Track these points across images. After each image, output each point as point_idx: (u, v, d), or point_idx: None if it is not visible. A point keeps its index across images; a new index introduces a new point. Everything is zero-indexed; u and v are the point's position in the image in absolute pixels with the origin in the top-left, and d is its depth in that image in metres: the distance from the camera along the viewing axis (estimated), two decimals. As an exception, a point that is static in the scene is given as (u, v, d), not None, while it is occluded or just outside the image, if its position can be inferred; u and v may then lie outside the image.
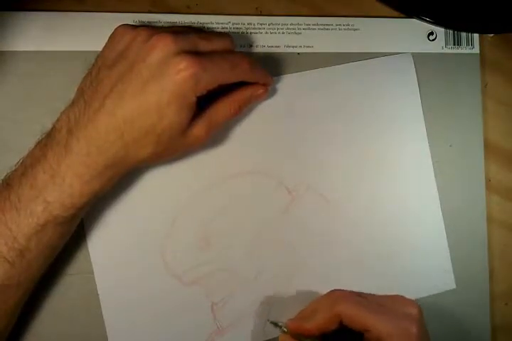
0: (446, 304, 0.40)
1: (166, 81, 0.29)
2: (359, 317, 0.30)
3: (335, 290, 0.32)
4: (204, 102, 0.32)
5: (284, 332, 0.32)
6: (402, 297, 0.32)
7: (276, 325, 0.33)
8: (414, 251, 0.39)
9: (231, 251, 0.37)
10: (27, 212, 0.29)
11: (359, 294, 0.32)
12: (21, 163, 0.31)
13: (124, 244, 0.36)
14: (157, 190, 0.36)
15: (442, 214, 0.40)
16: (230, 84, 0.33)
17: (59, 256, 0.33)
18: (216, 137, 0.37)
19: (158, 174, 0.36)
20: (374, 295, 0.32)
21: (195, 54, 0.30)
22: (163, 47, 0.29)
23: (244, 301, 0.37)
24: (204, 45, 0.31)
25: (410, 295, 0.39)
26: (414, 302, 0.32)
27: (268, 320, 0.34)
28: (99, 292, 0.35)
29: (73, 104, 0.31)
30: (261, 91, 0.35)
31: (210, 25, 0.38)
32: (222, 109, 0.33)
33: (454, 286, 0.40)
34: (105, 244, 0.35)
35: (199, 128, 0.32)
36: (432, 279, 0.39)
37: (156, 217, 0.36)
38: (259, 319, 0.37)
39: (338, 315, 0.31)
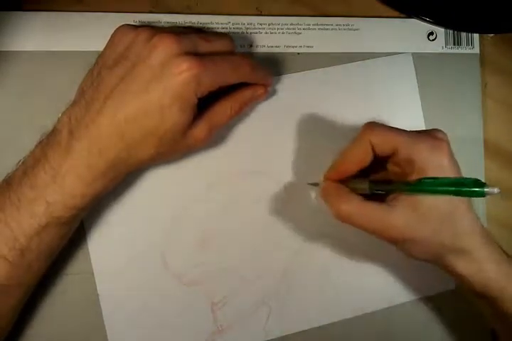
0: (446, 304, 0.40)
1: (167, 82, 0.29)
2: (389, 139, 0.31)
3: (367, 122, 0.33)
4: (204, 103, 0.33)
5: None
6: (431, 129, 0.33)
7: (315, 184, 0.34)
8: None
9: (231, 251, 0.37)
10: (28, 212, 0.29)
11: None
12: (22, 163, 0.31)
13: (124, 244, 0.36)
14: (157, 190, 0.36)
15: (442, 214, 0.40)
16: (231, 84, 0.33)
17: (59, 256, 0.33)
18: (216, 137, 0.37)
19: (158, 174, 0.36)
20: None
21: (197, 55, 0.30)
22: (164, 48, 0.29)
23: (244, 301, 0.37)
24: (205, 46, 0.31)
25: (410, 295, 0.39)
26: (441, 130, 0.32)
27: (308, 183, 0.35)
28: (99, 292, 0.35)
29: (74, 104, 0.31)
30: (261, 91, 0.35)
31: (210, 26, 0.38)
32: (222, 109, 0.33)
33: (454, 286, 0.40)
34: (105, 244, 0.35)
35: (200, 129, 0.32)
36: (432, 279, 0.39)
37: (156, 217, 0.36)
38: (259, 319, 0.37)
39: (369, 141, 0.31)
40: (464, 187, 0.29)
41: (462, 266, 0.31)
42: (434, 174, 0.30)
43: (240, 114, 0.35)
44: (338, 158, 0.33)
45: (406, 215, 0.30)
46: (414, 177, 0.30)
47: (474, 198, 0.40)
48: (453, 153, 0.31)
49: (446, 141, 0.31)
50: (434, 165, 0.30)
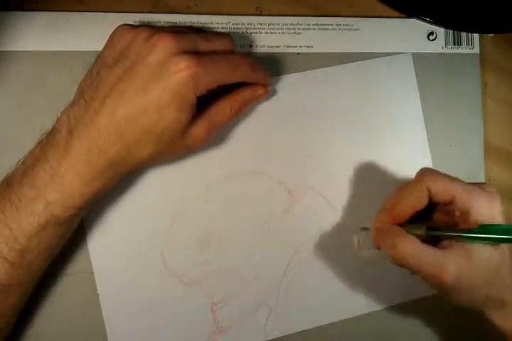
0: (446, 304, 0.40)
1: (166, 81, 0.29)
2: (447, 187, 0.31)
3: (424, 167, 0.33)
4: (204, 103, 0.33)
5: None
6: (483, 182, 0.33)
7: (365, 229, 0.34)
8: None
9: (231, 251, 0.37)
10: (27, 211, 0.29)
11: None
12: (22, 163, 0.31)
13: (124, 244, 0.36)
14: (157, 190, 0.36)
15: (442, 214, 0.40)
16: (231, 84, 0.33)
17: (59, 256, 0.33)
18: (216, 137, 0.37)
19: (158, 174, 0.36)
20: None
21: (196, 54, 0.30)
22: (163, 47, 0.29)
23: (244, 301, 0.37)
24: (204, 45, 0.31)
25: (410, 295, 0.39)
26: (492, 185, 0.32)
27: (361, 228, 0.34)
28: (99, 292, 0.35)
29: (73, 104, 0.31)
30: (261, 91, 0.35)
31: (210, 25, 0.38)
32: (222, 109, 0.33)
33: (454, 286, 0.40)
34: (105, 244, 0.35)
35: (199, 129, 0.32)
36: (431, 279, 0.39)
37: (156, 217, 0.36)
38: (259, 319, 0.37)
39: (426, 188, 0.31)
40: None
41: (502, 318, 0.32)
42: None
43: (239, 115, 0.35)
44: (391, 201, 0.33)
45: (459, 263, 0.30)
46: (465, 226, 0.30)
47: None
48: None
49: (498, 194, 0.31)
50: (488, 216, 0.30)
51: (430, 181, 0.31)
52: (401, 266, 0.31)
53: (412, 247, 0.30)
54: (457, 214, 0.31)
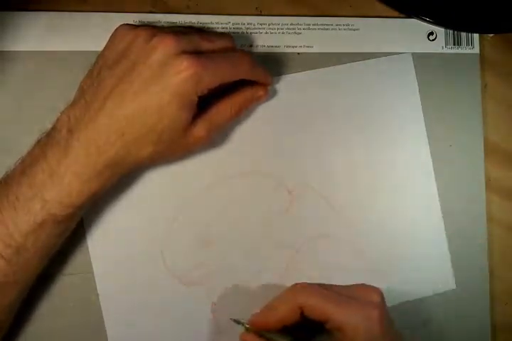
0: (446, 304, 0.40)
1: (167, 81, 0.29)
2: (319, 307, 0.30)
3: (296, 283, 0.32)
4: (205, 103, 0.33)
5: (246, 329, 0.32)
6: (363, 285, 0.32)
7: (238, 322, 0.33)
8: (414, 251, 0.39)
9: (231, 251, 0.37)
10: (24, 210, 0.29)
11: (321, 285, 0.32)
12: (21, 162, 0.31)
13: (124, 244, 0.36)
14: (157, 189, 0.36)
15: (442, 214, 0.40)
16: (231, 85, 0.33)
17: (59, 255, 0.33)
18: (216, 137, 0.37)
19: (158, 174, 0.36)
20: (337, 285, 0.32)
21: (196, 54, 0.30)
22: (164, 47, 0.30)
23: (244, 301, 0.37)
24: (205, 45, 0.32)
25: (411, 295, 0.39)
26: (376, 289, 0.32)
27: (231, 319, 0.33)
28: (99, 292, 0.35)
29: (74, 103, 0.31)
30: (262, 92, 0.35)
31: (210, 25, 0.38)
32: (222, 110, 0.34)
33: (454, 286, 0.40)
34: (105, 244, 0.35)
35: (199, 129, 0.32)
36: (432, 279, 0.39)
37: (156, 217, 0.36)
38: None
39: (299, 307, 0.31)
40: None
41: None
42: None
43: (240, 116, 0.35)
44: (263, 311, 0.32)
45: None
46: None
47: (474, 198, 0.41)
48: (386, 316, 0.30)
49: (379, 305, 0.30)
50: (364, 335, 0.29)
51: (302, 300, 0.30)
52: None
53: None
54: (334, 331, 0.30)
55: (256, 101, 0.36)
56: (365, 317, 0.30)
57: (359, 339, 0.29)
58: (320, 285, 0.32)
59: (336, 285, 0.32)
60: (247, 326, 0.32)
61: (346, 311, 0.30)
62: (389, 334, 0.30)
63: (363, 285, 0.32)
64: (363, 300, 0.31)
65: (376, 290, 0.32)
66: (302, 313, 0.31)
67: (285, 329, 0.31)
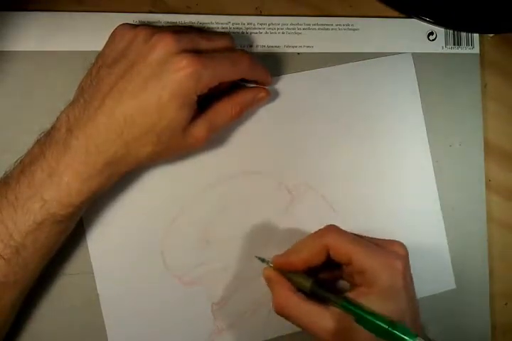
0: (446, 304, 0.40)
1: (166, 79, 0.29)
2: (346, 248, 0.31)
3: (327, 225, 0.33)
4: (206, 104, 0.33)
5: (270, 268, 0.33)
6: (391, 240, 0.33)
7: (263, 260, 0.33)
8: (414, 251, 0.39)
9: (231, 251, 0.37)
10: (24, 209, 0.29)
11: (349, 232, 0.32)
12: (20, 162, 0.31)
13: (124, 244, 0.36)
14: (157, 189, 0.36)
15: (442, 214, 0.40)
16: (232, 87, 0.33)
17: (59, 255, 0.33)
18: (216, 137, 0.37)
19: (158, 174, 0.36)
20: (365, 236, 0.33)
21: (196, 52, 0.30)
22: (164, 46, 0.30)
23: (244, 301, 0.37)
24: (204, 44, 0.32)
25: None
26: (402, 243, 0.32)
27: (255, 256, 0.34)
28: (99, 292, 0.35)
29: (73, 103, 0.31)
30: (263, 94, 0.35)
31: (210, 25, 0.38)
32: (223, 111, 0.34)
33: (454, 286, 0.40)
34: (105, 243, 0.35)
35: (199, 129, 0.32)
36: (432, 279, 0.39)
37: (156, 216, 0.36)
38: (259, 319, 0.37)
39: (325, 246, 0.31)
40: (395, 329, 0.28)
41: None
42: (383, 291, 0.29)
43: (240, 117, 0.35)
44: (289, 250, 0.33)
45: (339, 322, 0.29)
46: (362, 290, 0.30)
47: (474, 198, 0.41)
48: (409, 270, 0.31)
49: (404, 257, 0.31)
50: (385, 282, 0.30)
51: (330, 240, 0.31)
52: (283, 317, 0.31)
53: (289, 302, 0.30)
54: (355, 276, 0.31)
55: (257, 103, 0.36)
56: (388, 265, 0.30)
57: (379, 285, 0.30)
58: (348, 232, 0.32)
59: (363, 236, 0.33)
60: (271, 265, 0.32)
61: (371, 255, 0.30)
62: (409, 289, 0.31)
63: (390, 239, 0.33)
64: (388, 250, 0.31)
65: (402, 245, 0.32)
66: (326, 256, 0.31)
67: (307, 273, 0.32)
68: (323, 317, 0.30)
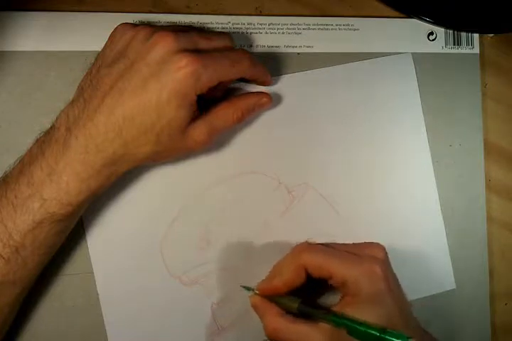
0: (446, 304, 0.40)
1: (166, 78, 0.29)
2: (322, 263, 0.30)
3: (299, 244, 0.33)
4: (208, 108, 0.33)
5: (255, 294, 0.33)
6: (367, 242, 0.33)
7: (248, 289, 0.33)
8: (414, 251, 0.39)
9: (231, 251, 0.37)
10: (23, 209, 0.29)
11: (323, 244, 0.32)
12: (19, 161, 0.31)
13: (124, 244, 0.36)
14: (157, 190, 0.36)
15: (442, 214, 0.40)
16: (235, 92, 0.33)
17: (59, 255, 0.33)
18: (216, 137, 0.37)
19: (158, 174, 0.36)
20: (339, 243, 0.33)
21: (196, 52, 0.30)
22: (163, 45, 0.30)
23: (244, 301, 0.37)
24: (204, 43, 0.32)
25: (410, 295, 0.39)
26: (380, 245, 0.32)
27: (240, 285, 0.34)
28: (99, 292, 0.35)
29: (73, 102, 0.31)
30: (265, 99, 0.35)
31: (210, 25, 0.38)
32: (224, 115, 0.33)
33: (454, 286, 0.40)
34: (105, 243, 0.35)
35: (200, 133, 0.32)
36: (432, 279, 0.39)
37: (156, 217, 0.36)
38: (259, 319, 0.37)
39: (302, 266, 0.31)
40: (386, 335, 0.28)
41: None
42: (367, 299, 0.29)
43: (242, 122, 0.35)
44: (269, 275, 0.33)
45: (329, 340, 0.29)
46: (347, 300, 0.30)
47: (474, 198, 0.41)
48: (390, 272, 0.31)
49: (381, 261, 0.31)
50: (367, 289, 0.30)
51: (305, 258, 0.31)
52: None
53: (279, 326, 0.30)
54: (339, 287, 0.31)
55: (259, 108, 0.36)
56: (367, 272, 0.30)
57: (362, 293, 0.30)
58: (322, 244, 0.32)
59: (338, 244, 0.33)
60: (257, 292, 0.32)
61: (348, 265, 0.30)
62: (393, 290, 0.30)
63: (365, 242, 0.33)
64: (365, 256, 0.31)
65: (379, 247, 0.32)
66: (307, 275, 0.31)
67: (293, 293, 0.32)
68: (314, 335, 0.29)
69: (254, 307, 0.33)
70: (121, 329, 0.35)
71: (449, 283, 0.40)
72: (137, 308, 0.36)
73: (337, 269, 0.30)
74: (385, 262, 0.31)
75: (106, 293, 0.35)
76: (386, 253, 0.32)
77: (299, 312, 0.31)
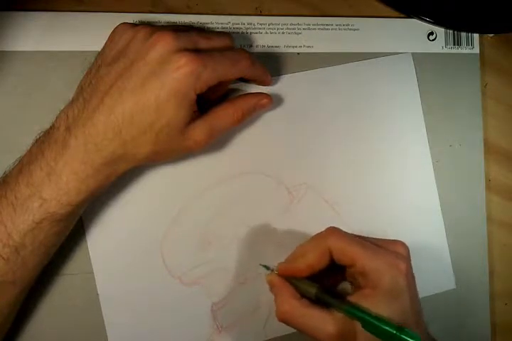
0: (446, 304, 0.40)
1: (165, 77, 0.29)
2: (348, 250, 0.30)
3: (328, 228, 0.32)
4: (208, 109, 0.33)
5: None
6: (393, 240, 0.32)
7: (267, 268, 0.33)
8: (415, 251, 0.39)
9: (231, 251, 0.37)
10: (23, 209, 0.29)
11: (350, 233, 0.32)
12: (19, 161, 0.31)
13: (124, 244, 0.36)
14: (157, 190, 0.36)
15: (442, 214, 0.40)
16: (235, 93, 0.33)
17: (59, 255, 0.33)
18: (216, 138, 0.37)
19: (159, 174, 0.36)
20: (366, 236, 0.33)
21: (196, 51, 0.30)
22: (163, 44, 0.30)
23: (244, 301, 0.37)
24: (204, 43, 0.32)
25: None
26: (404, 243, 0.32)
27: (260, 264, 0.34)
28: (99, 292, 0.35)
29: (72, 102, 0.31)
30: (266, 100, 0.35)
31: (210, 25, 0.38)
32: (224, 115, 0.33)
33: (454, 286, 0.40)
34: (105, 243, 0.35)
35: (199, 133, 0.32)
36: (432, 279, 0.39)
37: (156, 216, 0.36)
38: (259, 319, 0.37)
39: (327, 250, 0.31)
40: (402, 334, 0.28)
41: None
42: (386, 292, 0.29)
43: (242, 123, 0.35)
44: (292, 256, 0.32)
45: (343, 326, 0.29)
46: (366, 292, 0.30)
47: (474, 198, 0.41)
48: (411, 270, 0.31)
49: (406, 258, 0.31)
50: (389, 283, 0.29)
51: (332, 242, 0.31)
52: (286, 323, 0.31)
53: (293, 309, 0.30)
54: (358, 278, 0.31)
55: (259, 109, 0.36)
56: (391, 265, 0.30)
57: (383, 286, 0.29)
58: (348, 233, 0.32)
59: (363, 236, 0.32)
60: (276, 272, 0.32)
61: (374, 256, 0.30)
62: (412, 289, 0.30)
63: (391, 239, 0.32)
64: (390, 251, 0.31)
65: (404, 245, 0.32)
66: (330, 259, 0.31)
67: (311, 278, 0.32)
68: (327, 323, 0.29)
69: (271, 285, 0.32)
70: (121, 329, 0.35)
71: (449, 283, 0.40)
72: (137, 308, 0.36)
73: (361, 258, 0.30)
74: (408, 260, 0.31)
75: (106, 293, 0.35)
76: (409, 251, 0.32)
77: (315, 299, 0.31)
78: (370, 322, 0.29)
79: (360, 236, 0.32)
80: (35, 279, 0.32)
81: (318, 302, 0.31)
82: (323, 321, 0.29)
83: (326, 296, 0.31)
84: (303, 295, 0.31)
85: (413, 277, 0.31)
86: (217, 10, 0.38)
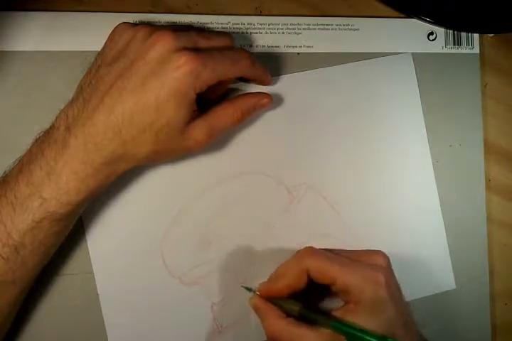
0: (446, 304, 0.40)
1: (165, 77, 0.29)
2: (325, 269, 0.30)
3: (304, 248, 0.32)
4: (208, 109, 0.33)
5: (256, 296, 0.32)
6: (370, 250, 0.33)
7: (249, 289, 0.33)
8: (414, 251, 0.39)
9: (231, 251, 0.37)
10: (22, 208, 0.29)
11: (326, 249, 0.32)
12: (19, 161, 0.31)
13: (124, 243, 0.36)
14: (157, 189, 0.36)
15: (442, 214, 0.40)
16: (235, 92, 0.33)
17: (59, 255, 0.33)
18: (216, 138, 0.37)
19: (158, 174, 0.36)
20: (343, 250, 0.33)
21: (195, 51, 0.30)
22: (163, 44, 0.30)
23: (244, 301, 0.37)
24: (204, 43, 0.32)
25: (411, 295, 0.39)
26: (382, 253, 0.32)
27: (242, 286, 0.34)
28: (99, 292, 0.35)
29: (72, 102, 0.31)
30: (266, 100, 0.35)
31: (210, 25, 0.38)
32: (224, 115, 0.33)
33: (454, 286, 0.40)
34: (105, 243, 0.35)
35: (199, 132, 0.32)
36: (432, 279, 0.39)
37: (156, 216, 0.36)
38: (259, 319, 0.37)
39: (305, 270, 0.31)
40: None
41: None
42: (369, 306, 0.29)
43: (242, 122, 0.35)
44: (271, 277, 0.33)
45: None
46: (349, 307, 0.30)
47: (474, 198, 0.41)
48: (393, 279, 0.31)
49: (384, 268, 0.31)
50: (370, 297, 0.29)
51: (308, 263, 0.31)
52: None
53: (280, 329, 0.30)
54: (340, 294, 0.31)
55: (259, 109, 0.36)
56: (370, 279, 0.30)
57: (365, 301, 0.29)
58: (325, 249, 0.32)
59: (341, 250, 0.33)
60: (258, 293, 0.32)
61: (352, 272, 0.30)
62: (395, 299, 0.30)
63: (369, 250, 0.33)
64: (368, 264, 0.31)
65: (382, 254, 0.32)
66: (309, 279, 0.31)
67: (294, 297, 0.32)
68: (315, 340, 0.29)
69: (255, 308, 0.32)
70: (121, 329, 0.35)
71: (449, 283, 0.40)
72: (137, 308, 0.36)
73: (340, 276, 0.30)
74: (387, 270, 0.31)
75: (106, 293, 0.35)
76: (389, 261, 0.32)
77: (300, 316, 0.31)
78: (354, 335, 0.29)
79: (336, 252, 0.32)
80: (35, 279, 0.32)
81: (304, 320, 0.31)
82: (311, 338, 0.30)
83: (309, 313, 0.31)
84: (288, 314, 0.31)
85: (396, 286, 0.31)
86: (217, 10, 0.38)
